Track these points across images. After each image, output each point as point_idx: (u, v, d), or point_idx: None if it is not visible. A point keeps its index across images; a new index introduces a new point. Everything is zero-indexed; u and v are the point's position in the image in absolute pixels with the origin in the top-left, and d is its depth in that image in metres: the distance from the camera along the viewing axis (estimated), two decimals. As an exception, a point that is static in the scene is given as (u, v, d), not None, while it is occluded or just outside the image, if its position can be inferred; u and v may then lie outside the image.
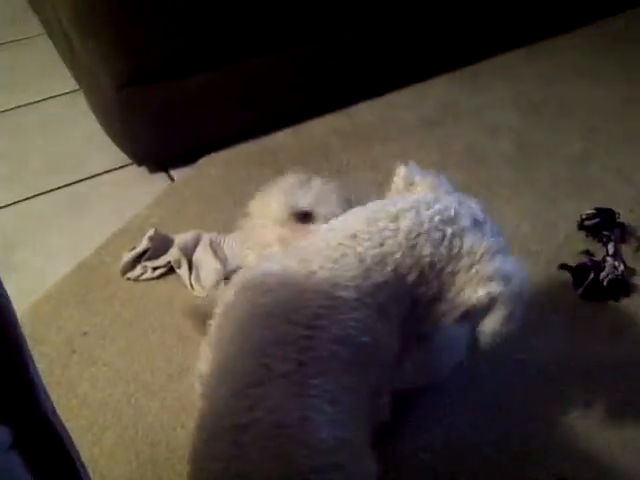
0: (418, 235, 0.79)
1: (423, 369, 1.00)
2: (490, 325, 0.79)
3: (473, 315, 0.80)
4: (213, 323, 0.92)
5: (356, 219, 0.83)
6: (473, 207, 0.85)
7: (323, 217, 1.07)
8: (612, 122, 1.73)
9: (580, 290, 1.24)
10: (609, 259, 1.26)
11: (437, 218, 0.79)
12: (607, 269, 1.24)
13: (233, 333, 0.81)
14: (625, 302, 1.24)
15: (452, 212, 0.80)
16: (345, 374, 0.75)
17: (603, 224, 1.33)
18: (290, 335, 0.74)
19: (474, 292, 0.78)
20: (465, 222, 0.80)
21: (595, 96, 1.83)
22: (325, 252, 0.80)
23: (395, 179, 0.94)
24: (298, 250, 0.84)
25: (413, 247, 0.78)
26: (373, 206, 0.84)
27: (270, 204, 1.09)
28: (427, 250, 0.78)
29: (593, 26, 2.10)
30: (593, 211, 1.36)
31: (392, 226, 0.79)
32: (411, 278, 0.79)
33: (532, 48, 2.03)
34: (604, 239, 1.31)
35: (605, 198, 1.45)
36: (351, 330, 0.75)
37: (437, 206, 0.81)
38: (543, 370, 1.14)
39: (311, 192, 1.09)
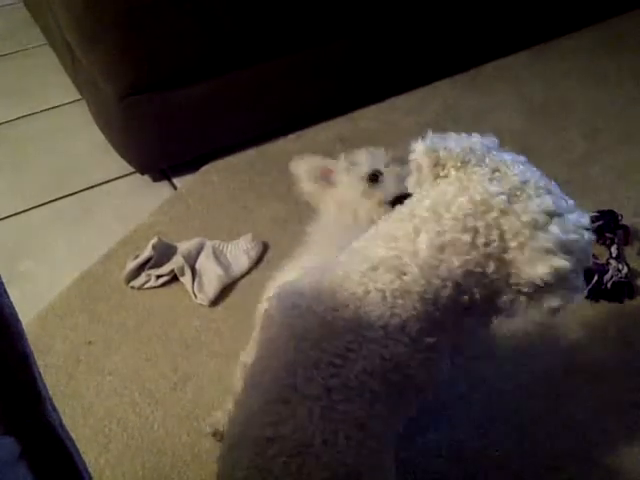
0: (441, 249, 0.70)
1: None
2: (554, 302, 0.69)
3: (539, 297, 0.70)
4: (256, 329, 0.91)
5: (376, 242, 0.77)
6: (511, 169, 0.74)
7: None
8: (615, 123, 1.73)
9: (584, 293, 1.23)
10: (613, 261, 1.26)
11: (461, 215, 0.69)
12: (611, 271, 1.24)
13: (265, 349, 0.81)
14: (629, 304, 1.24)
15: (478, 198, 0.69)
16: (375, 404, 0.72)
17: (606, 226, 1.33)
18: (320, 361, 0.72)
19: (534, 270, 0.67)
20: (500, 202, 0.68)
21: (597, 97, 1.83)
22: (348, 289, 0.75)
23: (414, 159, 0.81)
24: (326, 274, 0.79)
25: (436, 267, 0.70)
26: (394, 219, 0.77)
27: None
28: (456, 262, 0.69)
29: (594, 28, 2.11)
30: (596, 213, 1.36)
31: (410, 247, 0.72)
32: (445, 295, 0.71)
33: (533, 50, 2.04)
34: (607, 241, 1.31)
35: (608, 200, 1.45)
36: (379, 367, 0.72)
37: (460, 200, 0.70)
38: (547, 373, 1.14)
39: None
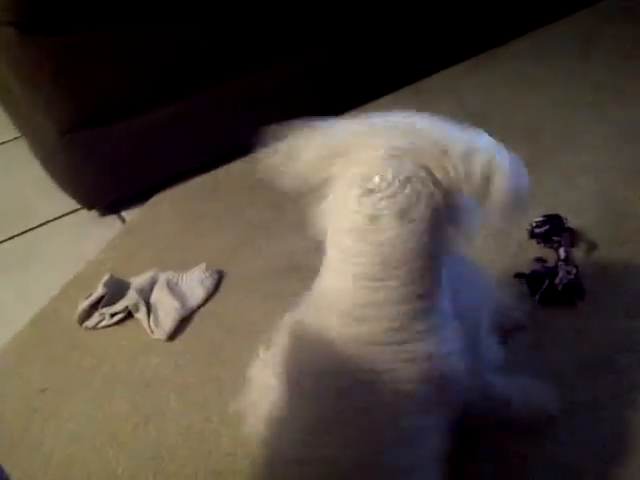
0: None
1: None
2: (494, 191, 0.72)
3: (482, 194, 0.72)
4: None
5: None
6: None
7: None
8: (555, 127, 1.77)
9: (537, 297, 1.26)
10: (561, 264, 1.29)
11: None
12: (561, 274, 1.26)
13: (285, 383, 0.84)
14: (580, 305, 1.27)
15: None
16: None
17: (552, 230, 1.36)
18: (350, 390, 0.76)
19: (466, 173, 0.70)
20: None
21: (537, 102, 1.87)
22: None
23: None
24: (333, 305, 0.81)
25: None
26: None
27: None
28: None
29: (529, 35, 2.17)
30: (542, 218, 1.39)
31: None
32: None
33: (472, 61, 2.08)
34: (555, 245, 1.34)
35: (553, 203, 1.48)
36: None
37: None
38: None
39: None
